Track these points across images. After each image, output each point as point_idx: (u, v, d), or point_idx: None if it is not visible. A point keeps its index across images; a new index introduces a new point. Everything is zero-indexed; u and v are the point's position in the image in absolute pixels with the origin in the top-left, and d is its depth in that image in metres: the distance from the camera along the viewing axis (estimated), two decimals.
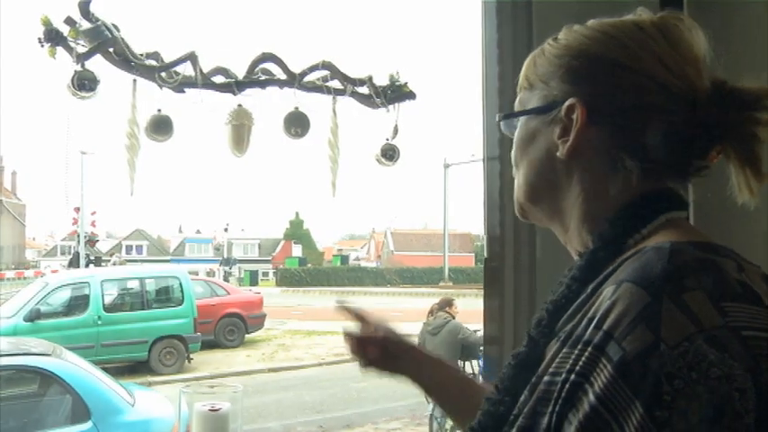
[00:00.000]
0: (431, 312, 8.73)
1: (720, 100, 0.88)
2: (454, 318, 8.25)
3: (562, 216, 0.97)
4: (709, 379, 0.67)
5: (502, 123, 1.05)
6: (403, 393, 12.23)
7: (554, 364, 0.79)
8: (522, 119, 1.00)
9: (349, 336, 1.39)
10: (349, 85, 3.11)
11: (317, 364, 15.04)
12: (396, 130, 3.22)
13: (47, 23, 2.61)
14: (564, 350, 0.79)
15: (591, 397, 0.71)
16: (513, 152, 1.02)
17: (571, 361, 0.76)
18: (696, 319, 0.70)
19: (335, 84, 3.12)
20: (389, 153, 3.20)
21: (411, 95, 3.17)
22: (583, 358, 0.74)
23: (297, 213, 54.84)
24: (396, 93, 3.14)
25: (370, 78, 3.14)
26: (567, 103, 0.91)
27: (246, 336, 17.13)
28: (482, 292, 1.98)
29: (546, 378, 0.80)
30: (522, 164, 1.00)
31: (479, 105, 1.99)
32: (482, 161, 1.97)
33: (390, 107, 3.17)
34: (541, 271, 1.83)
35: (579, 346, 0.76)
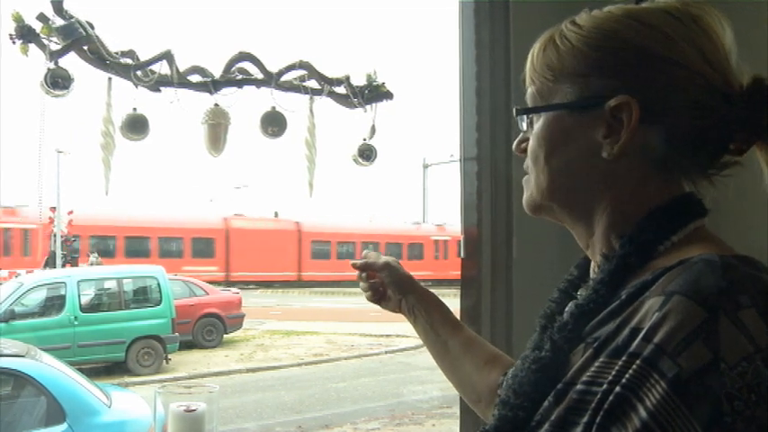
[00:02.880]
0: None
1: (761, 96, 0.86)
2: None
3: (590, 218, 0.93)
4: None
5: (517, 118, 0.99)
6: (382, 394, 12.26)
7: (589, 373, 0.76)
8: (547, 114, 0.93)
9: (357, 267, 1.44)
10: (326, 84, 3.10)
11: (296, 365, 14.99)
12: (373, 130, 3.21)
13: (18, 20, 2.58)
14: (601, 359, 0.76)
15: (642, 413, 0.68)
16: (531, 149, 0.95)
17: (614, 372, 0.73)
18: (752, 339, 0.68)
19: (312, 83, 3.10)
20: (366, 153, 3.20)
21: (388, 95, 3.17)
22: (630, 371, 0.71)
23: (276, 213, 54.61)
24: (373, 93, 3.13)
25: (348, 78, 3.13)
26: (615, 101, 0.86)
27: (225, 336, 17.03)
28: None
29: (579, 387, 0.77)
30: (549, 162, 0.93)
31: (457, 105, 1.99)
32: (459, 161, 1.98)
33: (368, 107, 3.17)
34: (518, 271, 1.84)
35: (624, 358, 0.73)
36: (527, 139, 0.98)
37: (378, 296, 1.43)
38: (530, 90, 0.96)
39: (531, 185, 0.96)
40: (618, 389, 0.71)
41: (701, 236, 0.87)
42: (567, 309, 0.93)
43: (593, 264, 0.96)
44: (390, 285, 1.39)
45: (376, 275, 1.42)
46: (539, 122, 0.94)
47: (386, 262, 1.41)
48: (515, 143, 1.01)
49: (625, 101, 0.86)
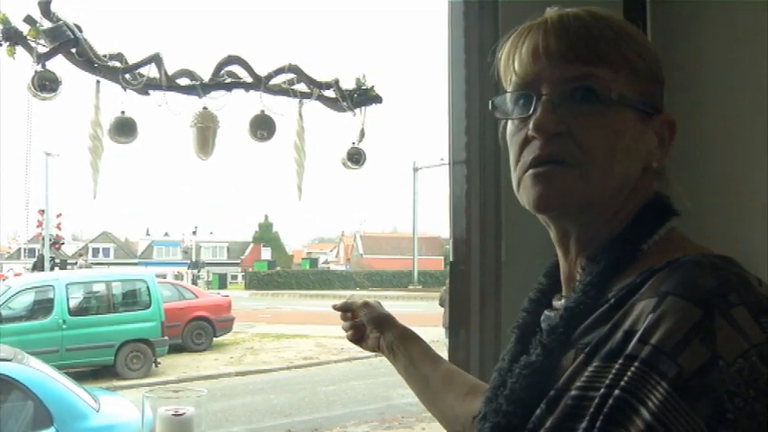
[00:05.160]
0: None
1: None
2: None
3: (602, 222, 0.90)
4: (767, 397, 0.67)
5: (575, 95, 0.86)
6: (372, 397, 12.25)
7: (583, 379, 0.76)
8: (619, 108, 0.86)
9: (337, 308, 1.50)
10: (315, 88, 3.10)
11: (286, 368, 14.97)
12: (362, 134, 3.21)
13: (5, 22, 2.56)
14: (595, 364, 0.76)
15: (645, 414, 0.68)
16: (597, 139, 0.85)
17: (611, 376, 0.72)
18: (746, 335, 0.69)
19: (302, 87, 3.10)
20: (355, 157, 3.20)
21: (377, 99, 3.17)
22: (628, 373, 0.71)
23: (266, 216, 54.62)
24: (362, 96, 3.13)
25: (337, 82, 3.13)
26: (667, 117, 0.92)
27: (215, 339, 16.98)
28: None
29: (574, 392, 0.76)
30: (620, 159, 0.86)
31: (446, 109, 1.99)
32: (448, 165, 1.98)
33: (357, 111, 3.17)
34: (507, 273, 1.84)
35: (620, 361, 0.72)
36: (562, 122, 0.86)
37: (358, 335, 1.46)
38: (585, 68, 0.86)
39: (582, 179, 0.86)
40: (617, 392, 0.71)
41: (678, 235, 0.88)
42: (546, 314, 0.94)
43: (564, 268, 0.95)
44: (369, 323, 1.42)
45: (357, 315, 1.46)
46: (613, 111, 0.86)
47: (364, 302, 1.46)
48: (549, 121, 0.86)
49: (672, 119, 0.92)
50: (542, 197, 0.87)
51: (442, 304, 14.91)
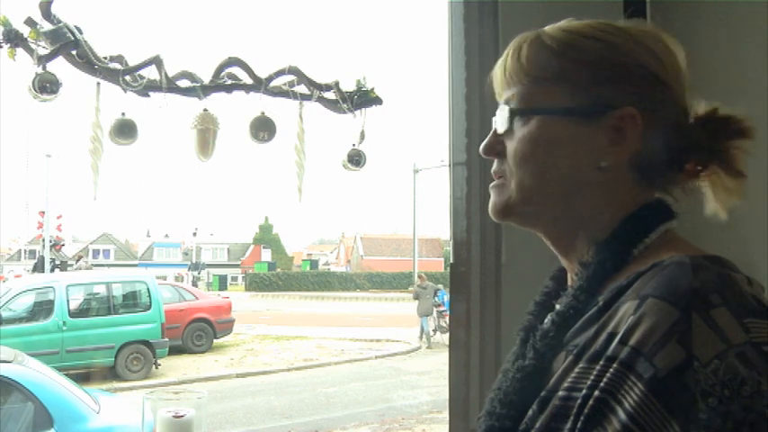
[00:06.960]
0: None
1: (713, 124, 0.91)
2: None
3: (573, 225, 0.93)
4: (742, 397, 0.68)
5: (501, 117, 0.95)
6: (372, 398, 12.24)
7: (569, 380, 0.78)
8: (544, 117, 0.92)
9: None
10: (315, 90, 3.10)
11: (286, 369, 14.96)
12: (362, 136, 3.22)
13: (5, 24, 2.57)
14: (580, 365, 0.77)
15: (621, 415, 0.70)
16: (518, 151, 0.93)
17: (593, 377, 0.74)
18: (725, 336, 0.70)
19: (302, 89, 3.10)
20: (356, 158, 3.20)
21: (377, 100, 3.17)
22: (607, 374, 0.73)
23: (266, 218, 54.61)
24: (362, 98, 3.14)
25: (337, 83, 3.14)
26: (621, 112, 0.89)
27: (215, 341, 16.97)
28: None
29: (561, 393, 0.78)
30: (542, 166, 0.92)
31: (446, 110, 1.99)
32: (448, 166, 1.98)
33: (357, 112, 3.17)
34: (507, 275, 1.84)
35: (602, 362, 0.74)
36: (500, 142, 0.96)
37: None
38: (513, 90, 0.95)
39: (510, 189, 0.94)
40: (597, 393, 0.73)
41: (672, 238, 0.89)
42: (547, 318, 0.94)
43: (570, 274, 0.97)
44: None
45: None
46: (530, 124, 0.92)
47: None
48: (486, 145, 0.98)
49: (630, 113, 0.89)
50: (490, 209, 0.98)
51: (416, 298, 18.04)
